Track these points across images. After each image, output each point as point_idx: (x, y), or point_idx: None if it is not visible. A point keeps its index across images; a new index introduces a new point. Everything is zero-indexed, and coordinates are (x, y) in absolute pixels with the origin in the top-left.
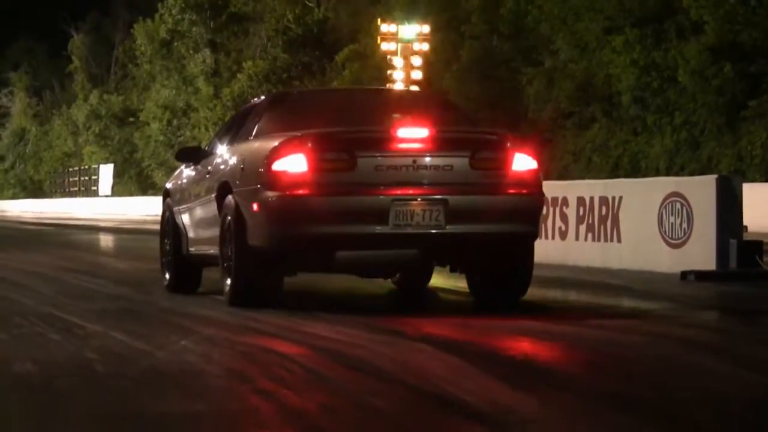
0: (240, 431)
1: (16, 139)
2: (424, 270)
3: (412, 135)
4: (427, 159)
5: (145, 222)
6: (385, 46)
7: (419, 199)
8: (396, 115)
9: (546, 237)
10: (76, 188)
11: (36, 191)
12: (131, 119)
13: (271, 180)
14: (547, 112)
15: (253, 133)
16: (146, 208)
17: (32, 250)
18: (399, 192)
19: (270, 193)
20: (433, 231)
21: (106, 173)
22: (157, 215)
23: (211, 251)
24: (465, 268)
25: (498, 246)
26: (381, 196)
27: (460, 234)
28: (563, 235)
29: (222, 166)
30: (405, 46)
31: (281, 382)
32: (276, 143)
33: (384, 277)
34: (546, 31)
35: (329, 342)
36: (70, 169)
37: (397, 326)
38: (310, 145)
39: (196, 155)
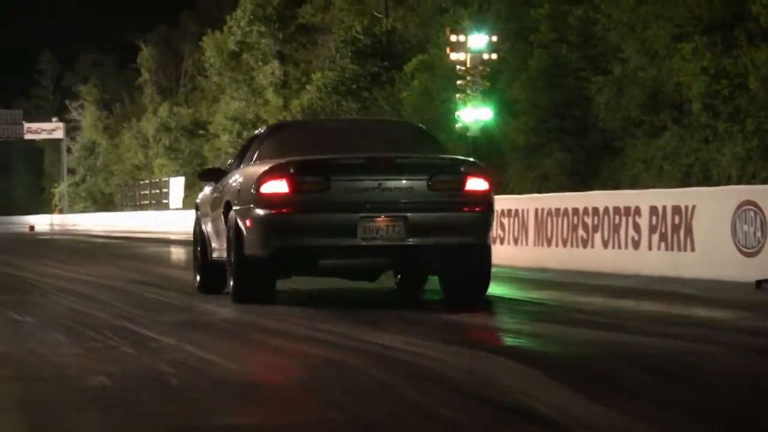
0: None
1: (87, 152)
2: (418, 274)
3: (377, 161)
4: (391, 182)
5: None
6: (453, 56)
7: (383, 216)
8: (369, 143)
9: (618, 247)
10: (147, 201)
11: (107, 204)
12: (201, 131)
13: (260, 200)
14: (617, 121)
15: (254, 158)
16: None
17: (103, 263)
18: (366, 210)
19: (259, 212)
20: (396, 243)
21: (176, 186)
22: None
23: (225, 257)
24: (429, 273)
25: (453, 255)
26: (351, 214)
27: (419, 246)
28: (636, 245)
29: (228, 187)
30: (473, 55)
31: (353, 394)
32: (264, 169)
33: (369, 280)
34: (615, 39)
35: (399, 352)
36: (141, 182)
37: (469, 336)
38: (291, 171)
39: (215, 175)
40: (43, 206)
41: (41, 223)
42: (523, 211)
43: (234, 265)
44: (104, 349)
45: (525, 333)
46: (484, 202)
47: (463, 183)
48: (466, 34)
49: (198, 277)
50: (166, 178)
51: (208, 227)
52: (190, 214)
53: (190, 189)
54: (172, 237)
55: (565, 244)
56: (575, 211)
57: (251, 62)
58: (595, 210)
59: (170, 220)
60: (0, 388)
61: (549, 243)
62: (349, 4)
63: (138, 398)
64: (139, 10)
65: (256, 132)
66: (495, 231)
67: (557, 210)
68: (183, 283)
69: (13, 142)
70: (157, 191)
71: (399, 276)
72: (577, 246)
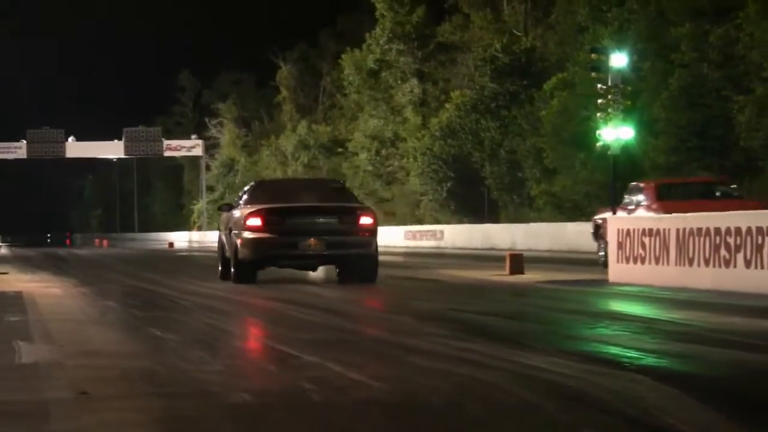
0: None
1: (225, 169)
2: (357, 269)
3: (310, 209)
4: (319, 219)
5: None
6: (593, 75)
7: (312, 239)
8: (310, 196)
9: (761, 267)
10: None
11: None
12: (339, 149)
13: (246, 228)
14: (759, 140)
15: (242, 202)
16: None
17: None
18: (304, 235)
19: (246, 234)
20: (320, 253)
21: None
22: None
23: (231, 257)
24: (339, 269)
25: (352, 259)
26: (295, 237)
27: (333, 254)
28: None
29: (232, 218)
30: (613, 74)
31: (498, 413)
32: (249, 211)
33: (312, 270)
34: (757, 58)
35: (541, 371)
36: None
37: (612, 356)
38: (263, 213)
39: (227, 208)
40: (182, 223)
41: (180, 240)
42: (664, 230)
43: (234, 264)
44: (246, 366)
45: (667, 353)
46: (370, 229)
47: (357, 219)
48: (606, 53)
49: (220, 268)
50: None
51: (223, 239)
52: None
53: None
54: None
55: (707, 264)
56: (717, 230)
57: (390, 80)
58: (738, 230)
59: None
60: (143, 404)
61: (690, 263)
62: (489, 23)
63: (279, 416)
64: (278, 28)
65: (247, 186)
66: (636, 251)
67: (699, 230)
68: (325, 299)
69: (152, 159)
70: None
71: (338, 271)
72: (719, 266)
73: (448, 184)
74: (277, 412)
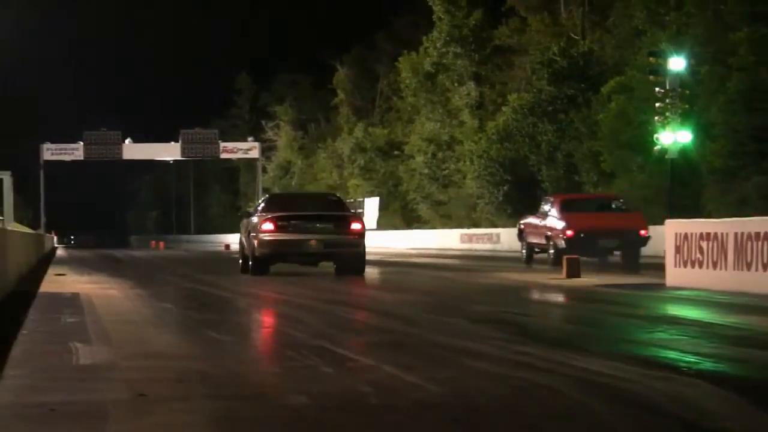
0: None
1: (282, 171)
2: (349, 265)
3: (311, 216)
4: (318, 224)
5: (409, 255)
6: (651, 78)
7: (314, 240)
8: (311, 206)
9: None
10: None
11: None
12: (396, 152)
13: (262, 231)
14: None
15: (259, 210)
16: (410, 242)
17: (296, 283)
18: (307, 237)
19: (261, 236)
20: (320, 251)
21: (371, 206)
22: (421, 248)
23: (249, 254)
24: (335, 264)
25: (345, 256)
26: (300, 238)
27: (330, 252)
28: None
29: (250, 223)
30: (671, 78)
31: (556, 418)
32: (263, 217)
33: (314, 266)
34: None
35: (599, 376)
36: None
37: (669, 361)
38: (275, 219)
39: (248, 215)
40: (238, 225)
41: (236, 242)
42: (722, 234)
43: (252, 259)
44: (303, 369)
45: (725, 358)
46: (359, 233)
47: (349, 225)
48: (664, 57)
49: (241, 262)
50: (361, 199)
51: (243, 239)
52: (385, 234)
53: (385, 209)
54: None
55: (765, 269)
56: None
57: (447, 83)
58: None
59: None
60: (200, 406)
61: (748, 267)
62: (546, 26)
63: (337, 418)
64: (334, 31)
65: (262, 198)
66: (693, 255)
67: (758, 234)
68: (380, 302)
69: (209, 162)
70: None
71: (335, 266)
72: None
73: (505, 187)
74: (334, 414)
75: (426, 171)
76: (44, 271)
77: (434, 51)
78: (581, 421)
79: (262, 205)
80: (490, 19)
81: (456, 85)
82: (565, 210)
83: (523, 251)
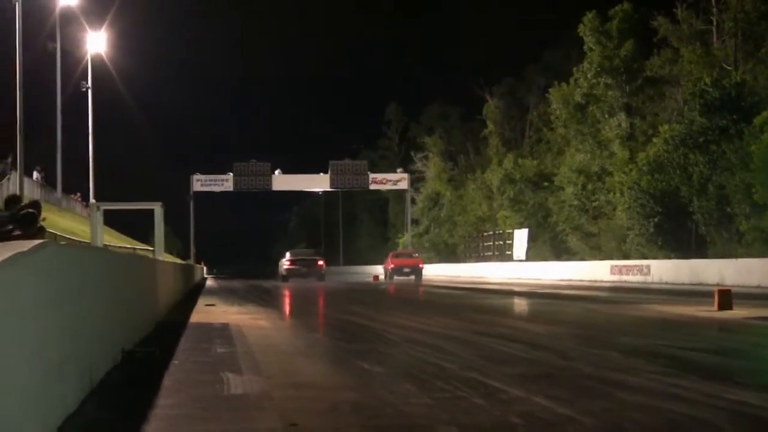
0: None
1: (431, 203)
2: (316, 278)
3: (306, 259)
4: (306, 260)
5: (559, 287)
6: None
7: (305, 268)
8: (307, 252)
9: None
10: (490, 252)
11: (450, 255)
12: (545, 183)
13: (284, 266)
14: None
15: (287, 255)
16: (560, 273)
17: (447, 314)
18: (300, 266)
19: (284, 266)
20: (305, 273)
21: (520, 237)
22: (571, 279)
23: (281, 274)
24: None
25: (316, 275)
26: (298, 266)
27: (308, 272)
28: None
29: (281, 260)
30: None
31: None
32: (286, 258)
33: (305, 279)
34: None
35: (756, 409)
36: (484, 234)
37: None
38: (290, 259)
39: (281, 256)
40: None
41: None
42: None
43: (280, 276)
44: (453, 400)
45: None
46: (321, 265)
47: (316, 261)
48: None
49: (280, 276)
50: (510, 230)
51: (279, 268)
52: (534, 266)
53: (534, 241)
54: (515, 288)
55: None
56: None
57: (597, 114)
58: None
59: (514, 271)
60: None
61: None
62: (698, 57)
63: None
64: (484, 63)
65: (288, 251)
66: None
67: None
68: (529, 333)
69: (358, 192)
70: (501, 243)
71: (309, 279)
72: None
73: (656, 219)
74: None
75: (576, 202)
76: (194, 301)
77: (585, 82)
78: None
79: (289, 253)
80: (641, 50)
81: (606, 116)
82: (393, 257)
83: None
